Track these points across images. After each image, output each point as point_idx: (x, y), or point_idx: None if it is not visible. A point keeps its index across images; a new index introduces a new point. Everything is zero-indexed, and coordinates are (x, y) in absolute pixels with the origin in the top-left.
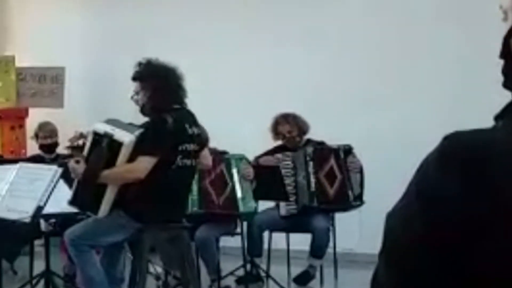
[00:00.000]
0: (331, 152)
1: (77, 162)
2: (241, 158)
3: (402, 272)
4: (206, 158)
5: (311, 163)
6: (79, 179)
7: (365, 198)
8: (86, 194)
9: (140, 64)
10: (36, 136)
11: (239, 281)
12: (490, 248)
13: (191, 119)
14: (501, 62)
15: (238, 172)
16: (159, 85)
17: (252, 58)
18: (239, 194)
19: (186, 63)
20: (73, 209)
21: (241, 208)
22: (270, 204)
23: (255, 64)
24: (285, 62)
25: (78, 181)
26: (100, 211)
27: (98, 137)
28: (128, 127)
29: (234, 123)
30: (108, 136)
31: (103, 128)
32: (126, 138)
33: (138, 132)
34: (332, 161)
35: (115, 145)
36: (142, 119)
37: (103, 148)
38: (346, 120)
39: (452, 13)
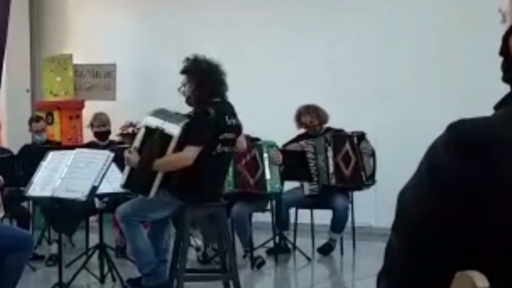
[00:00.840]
0: (346, 138)
1: (130, 152)
2: (272, 145)
3: (412, 242)
4: (241, 143)
5: (329, 148)
6: (134, 167)
7: (379, 179)
8: (139, 180)
9: (188, 59)
10: (91, 125)
11: (269, 252)
12: (493, 221)
13: (230, 110)
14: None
15: (268, 157)
16: (203, 79)
17: (280, 58)
18: (268, 176)
19: (223, 57)
20: (122, 189)
21: (269, 189)
22: (296, 184)
23: (283, 63)
24: (308, 60)
25: (131, 168)
26: (150, 194)
27: (150, 131)
28: (175, 116)
29: (264, 113)
30: (159, 130)
31: (154, 122)
32: (175, 130)
33: (183, 123)
34: (348, 146)
35: (165, 137)
36: (187, 109)
37: (156, 141)
38: (363, 111)
39: (465, 14)
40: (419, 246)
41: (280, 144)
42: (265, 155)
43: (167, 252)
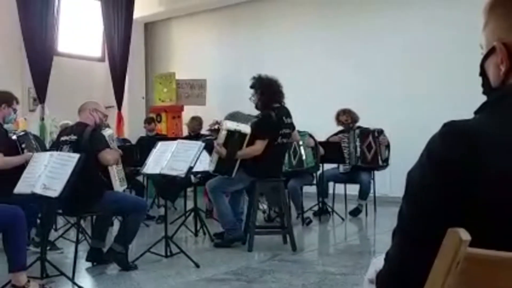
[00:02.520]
0: (370, 133)
1: (220, 147)
2: (304, 134)
3: (417, 207)
4: (296, 135)
5: (357, 140)
6: (222, 158)
7: (394, 160)
8: (225, 166)
9: (254, 77)
10: (187, 126)
11: (314, 214)
12: (475, 191)
13: (287, 113)
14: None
15: (303, 143)
16: (265, 91)
17: (326, 74)
18: (304, 156)
19: (285, 73)
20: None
21: (305, 165)
22: (334, 165)
23: (327, 77)
24: (345, 75)
25: (218, 158)
26: (232, 175)
27: (230, 132)
28: (244, 117)
29: (313, 114)
30: (237, 131)
31: (232, 126)
32: (248, 130)
33: (251, 122)
34: (370, 138)
35: (242, 136)
36: (255, 112)
37: (236, 140)
38: (386, 112)
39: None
40: (422, 210)
41: (324, 136)
42: (301, 142)
43: (242, 213)
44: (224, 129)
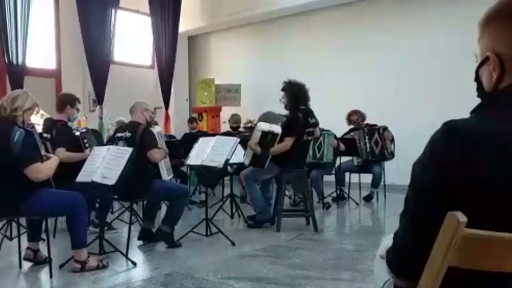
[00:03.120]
0: (376, 130)
1: (255, 145)
2: (330, 135)
3: (420, 194)
4: (317, 132)
5: (366, 137)
6: (257, 154)
7: (401, 153)
8: (259, 161)
9: (284, 82)
10: (229, 121)
11: (333, 199)
12: (468, 180)
13: (311, 114)
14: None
15: (328, 141)
16: (293, 94)
17: (342, 78)
18: (325, 152)
19: (304, 79)
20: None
21: (324, 160)
22: (348, 158)
23: (344, 82)
24: (356, 80)
25: (253, 153)
26: (265, 167)
27: (264, 133)
28: (275, 117)
29: (330, 114)
30: (270, 132)
31: (265, 127)
32: (279, 130)
33: (281, 122)
34: (376, 135)
35: (274, 135)
36: (284, 111)
37: (269, 139)
38: (392, 113)
39: (467, 42)
40: (424, 196)
41: (338, 133)
42: (326, 140)
43: (271, 199)
44: (259, 130)
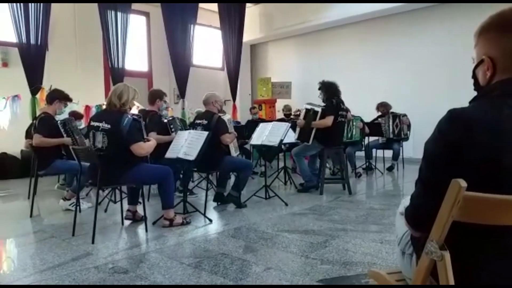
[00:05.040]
0: (397, 116)
1: (299, 115)
2: (357, 119)
3: (431, 164)
4: (349, 116)
5: (390, 121)
6: (302, 127)
7: (415, 134)
8: (304, 134)
9: (319, 82)
10: (283, 110)
11: (363, 169)
12: (467, 157)
13: (342, 102)
14: None
15: (356, 124)
16: (327, 89)
17: (371, 75)
18: (354, 132)
19: (340, 77)
20: (295, 140)
21: (353, 138)
22: (375, 138)
23: (369, 77)
24: (380, 79)
25: (300, 129)
26: (309, 142)
27: (307, 110)
28: (317, 104)
29: (361, 103)
30: (311, 109)
31: (309, 106)
32: (319, 109)
33: (322, 106)
34: (397, 120)
35: (315, 113)
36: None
37: (311, 115)
38: (412, 102)
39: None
40: (433, 166)
41: (365, 118)
42: (354, 123)
43: (316, 170)
44: (304, 108)
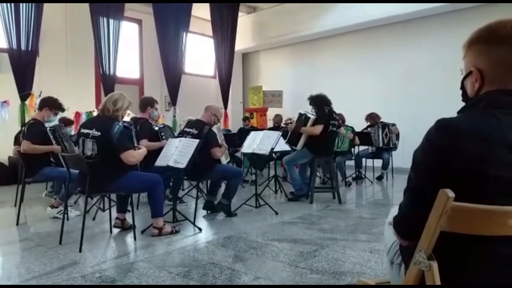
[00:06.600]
0: (386, 125)
1: (290, 123)
2: (349, 129)
3: (419, 174)
4: (341, 130)
5: (379, 130)
6: (291, 131)
7: (405, 143)
8: (293, 138)
9: (308, 98)
10: (273, 120)
11: (353, 179)
12: (453, 165)
13: (333, 112)
14: None
15: (346, 134)
16: (316, 101)
17: (361, 85)
18: (344, 142)
19: (331, 87)
20: (286, 148)
21: (342, 148)
22: (365, 147)
23: (360, 87)
24: (370, 85)
25: (290, 133)
26: (298, 146)
27: (300, 115)
28: (310, 112)
29: (351, 113)
30: (304, 115)
31: (303, 111)
32: (311, 116)
33: (314, 113)
34: (386, 129)
35: (306, 118)
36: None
37: (302, 120)
38: (400, 112)
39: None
40: (422, 175)
41: (356, 127)
42: (346, 133)
43: (307, 179)
44: (298, 113)
